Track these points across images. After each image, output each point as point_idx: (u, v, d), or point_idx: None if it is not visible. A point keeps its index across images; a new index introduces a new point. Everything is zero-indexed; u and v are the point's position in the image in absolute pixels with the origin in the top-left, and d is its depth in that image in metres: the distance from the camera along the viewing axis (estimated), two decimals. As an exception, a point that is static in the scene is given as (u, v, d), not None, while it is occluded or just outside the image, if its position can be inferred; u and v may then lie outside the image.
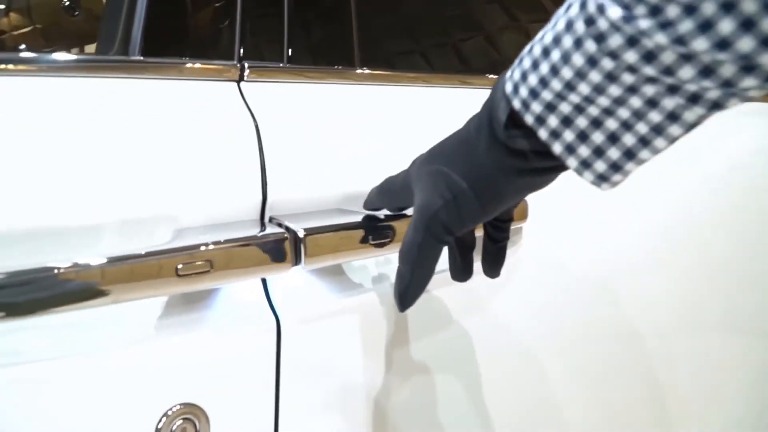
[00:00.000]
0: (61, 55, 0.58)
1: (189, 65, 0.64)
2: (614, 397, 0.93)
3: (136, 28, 0.64)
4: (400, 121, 0.75)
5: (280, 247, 0.55)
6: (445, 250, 0.63)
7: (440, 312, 0.74)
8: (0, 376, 0.47)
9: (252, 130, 0.62)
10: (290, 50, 0.73)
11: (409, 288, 0.53)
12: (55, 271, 0.45)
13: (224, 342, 0.56)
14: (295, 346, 0.60)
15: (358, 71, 0.78)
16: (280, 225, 0.59)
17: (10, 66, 0.55)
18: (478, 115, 0.48)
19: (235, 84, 0.66)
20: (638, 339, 0.96)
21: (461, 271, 0.62)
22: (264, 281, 0.61)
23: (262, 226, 0.59)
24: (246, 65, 0.68)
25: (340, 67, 0.77)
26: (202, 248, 0.51)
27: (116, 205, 0.53)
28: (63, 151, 0.52)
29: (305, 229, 0.57)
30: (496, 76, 0.92)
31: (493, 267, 0.61)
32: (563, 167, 0.46)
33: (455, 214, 0.48)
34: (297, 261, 0.57)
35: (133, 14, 0.65)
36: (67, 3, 1.36)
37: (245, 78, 0.68)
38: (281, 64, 0.72)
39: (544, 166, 0.45)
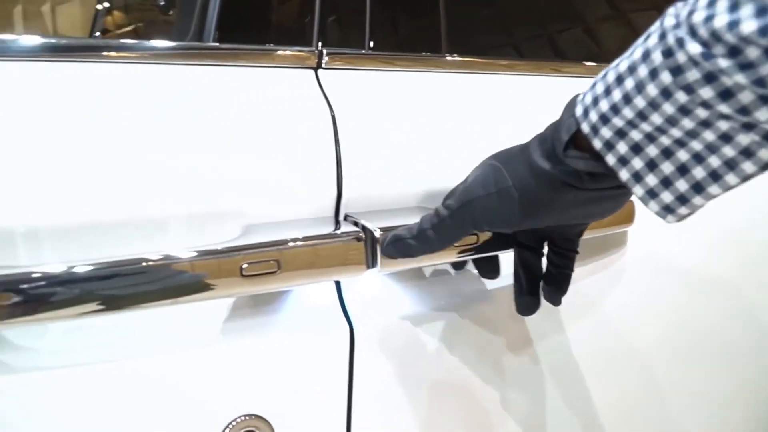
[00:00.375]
0: (136, 43, 0.55)
1: (265, 52, 0.60)
2: (721, 402, 0.84)
3: (210, 16, 0.61)
4: (488, 111, 0.69)
5: (353, 248, 0.50)
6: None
7: (534, 320, 0.66)
8: (59, 376, 0.44)
9: (328, 120, 0.57)
10: (372, 41, 0.68)
11: (406, 246, 0.51)
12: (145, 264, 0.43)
13: (293, 349, 0.52)
14: (369, 356, 0.54)
15: (448, 58, 0.72)
16: (355, 224, 0.54)
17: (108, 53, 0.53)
18: (544, 131, 0.49)
19: (312, 71, 0.62)
20: (749, 348, 0.86)
21: (527, 301, 0.58)
22: (338, 284, 0.56)
23: (337, 224, 0.54)
24: (325, 52, 0.63)
25: (427, 54, 0.71)
26: (269, 247, 0.47)
27: (184, 197, 0.49)
28: (129, 141, 0.49)
29: (382, 229, 0.52)
30: (593, 64, 0.83)
31: (553, 293, 0.57)
32: (622, 195, 0.47)
33: (491, 210, 0.49)
34: (372, 264, 0.52)
35: (207, 3, 0.62)
36: (162, 2, 1.39)
37: (323, 65, 0.63)
38: (363, 51, 0.67)
39: (596, 187, 0.46)
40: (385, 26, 0.70)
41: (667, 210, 0.42)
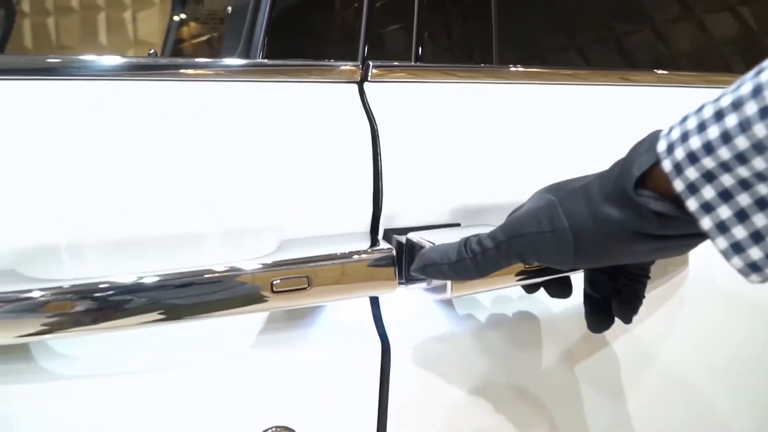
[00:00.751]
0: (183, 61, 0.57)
1: (311, 68, 0.61)
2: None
3: (258, 31, 0.62)
4: (546, 126, 0.67)
5: (385, 265, 0.50)
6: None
7: (572, 337, 0.64)
8: (82, 385, 0.46)
9: (368, 135, 0.57)
10: (420, 49, 0.67)
11: (439, 272, 0.49)
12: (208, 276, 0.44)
13: (325, 364, 0.52)
14: (403, 372, 0.54)
15: (501, 68, 0.70)
16: (390, 240, 0.54)
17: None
18: (609, 169, 0.45)
19: (356, 86, 0.62)
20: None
21: (600, 319, 0.55)
22: (374, 300, 0.56)
23: (375, 241, 0.54)
24: (371, 65, 0.64)
25: (480, 65, 0.70)
26: (300, 264, 0.47)
27: (223, 211, 0.50)
28: (176, 158, 0.51)
29: (419, 246, 0.51)
30: (665, 72, 0.79)
31: (625, 312, 0.54)
32: (694, 244, 0.43)
33: (542, 248, 0.46)
34: (405, 280, 0.51)
35: (256, 18, 0.63)
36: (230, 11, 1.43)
37: (369, 78, 0.63)
38: (411, 63, 0.67)
39: (665, 234, 0.41)
40: (436, 36, 0.70)
41: (752, 268, 0.38)
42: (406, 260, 0.54)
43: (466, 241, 0.49)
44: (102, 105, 0.50)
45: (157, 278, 0.44)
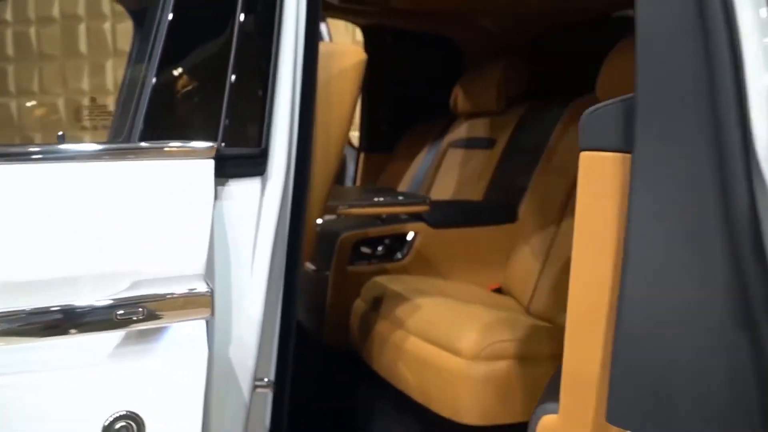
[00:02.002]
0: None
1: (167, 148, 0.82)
2: None
3: (139, 117, 0.84)
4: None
5: (202, 299, 0.73)
6: None
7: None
8: None
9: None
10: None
11: None
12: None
13: (166, 366, 0.75)
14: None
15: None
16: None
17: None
18: None
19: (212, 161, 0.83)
20: None
21: None
22: (209, 323, 0.79)
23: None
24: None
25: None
26: (138, 301, 0.70)
27: (91, 261, 0.73)
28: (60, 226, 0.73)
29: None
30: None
31: None
32: None
33: None
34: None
35: (139, 104, 0.84)
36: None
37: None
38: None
39: None
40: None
41: None
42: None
43: None
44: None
45: (33, 309, 0.67)
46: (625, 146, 0.63)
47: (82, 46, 3.60)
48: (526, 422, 1.37)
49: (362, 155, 2.75)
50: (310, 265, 2.01)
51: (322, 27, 2.71)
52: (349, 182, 2.76)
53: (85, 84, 3.56)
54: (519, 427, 1.41)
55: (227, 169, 0.85)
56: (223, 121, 0.86)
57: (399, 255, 1.92)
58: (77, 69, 3.59)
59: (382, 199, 1.81)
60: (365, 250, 1.92)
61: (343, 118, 1.15)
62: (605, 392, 0.64)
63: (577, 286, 0.67)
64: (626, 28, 1.00)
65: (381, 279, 1.77)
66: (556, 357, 1.40)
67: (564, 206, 1.79)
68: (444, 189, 2.34)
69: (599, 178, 0.64)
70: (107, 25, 3.57)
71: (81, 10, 3.70)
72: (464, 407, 1.33)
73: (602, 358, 0.66)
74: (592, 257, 0.65)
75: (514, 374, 1.38)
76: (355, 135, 2.84)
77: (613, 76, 1.75)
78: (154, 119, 0.85)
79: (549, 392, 0.84)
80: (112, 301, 0.70)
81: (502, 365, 1.35)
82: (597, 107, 0.66)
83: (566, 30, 2.27)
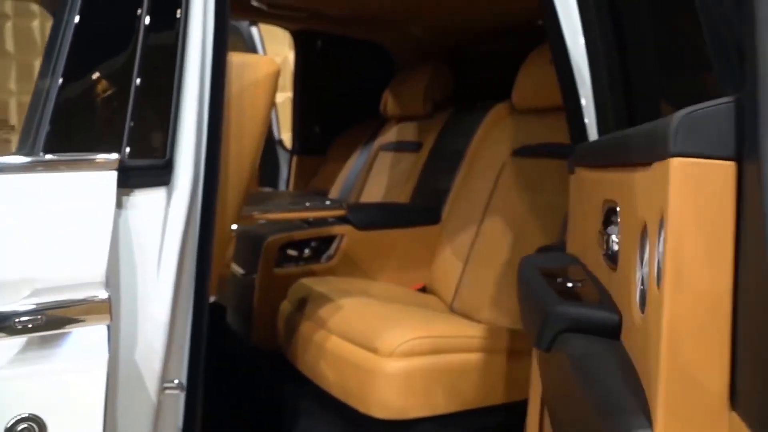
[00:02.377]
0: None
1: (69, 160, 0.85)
2: None
3: (43, 128, 0.86)
4: None
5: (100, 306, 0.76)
6: None
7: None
8: None
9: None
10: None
11: None
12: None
13: (67, 369, 0.78)
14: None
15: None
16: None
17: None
18: None
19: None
20: None
21: None
22: (110, 327, 0.82)
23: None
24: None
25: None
26: (38, 310, 0.73)
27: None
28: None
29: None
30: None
31: None
32: None
33: None
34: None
35: (43, 115, 0.86)
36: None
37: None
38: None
39: None
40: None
41: None
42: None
43: None
44: None
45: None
46: (732, 153, 0.56)
47: (9, 45, 3.51)
48: (447, 414, 1.45)
49: (295, 158, 2.79)
50: (238, 269, 2.04)
51: (254, 31, 2.73)
52: (282, 185, 2.79)
53: (12, 84, 3.48)
54: (440, 420, 1.49)
55: (131, 179, 0.88)
56: (127, 132, 0.89)
57: (326, 257, 1.97)
58: (4, 68, 3.50)
59: (302, 205, 1.87)
60: (292, 252, 1.96)
61: (257, 128, 1.18)
62: (717, 411, 0.55)
63: (677, 300, 0.57)
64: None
65: (307, 281, 1.82)
66: (476, 352, 1.49)
67: (485, 207, 1.88)
68: (374, 191, 2.40)
69: (699, 186, 0.57)
70: (36, 24, 3.49)
71: (8, 8, 3.61)
72: (378, 402, 1.39)
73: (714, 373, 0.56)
74: (697, 267, 0.56)
75: (432, 369, 1.44)
76: (287, 137, 2.87)
77: (527, 83, 1.85)
78: (59, 130, 0.87)
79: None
80: (11, 309, 0.72)
81: (418, 361, 1.42)
82: (695, 108, 0.57)
83: (492, 37, 2.37)
